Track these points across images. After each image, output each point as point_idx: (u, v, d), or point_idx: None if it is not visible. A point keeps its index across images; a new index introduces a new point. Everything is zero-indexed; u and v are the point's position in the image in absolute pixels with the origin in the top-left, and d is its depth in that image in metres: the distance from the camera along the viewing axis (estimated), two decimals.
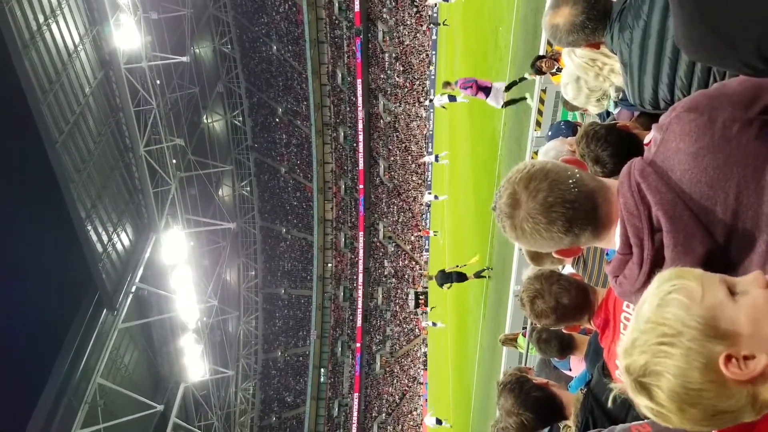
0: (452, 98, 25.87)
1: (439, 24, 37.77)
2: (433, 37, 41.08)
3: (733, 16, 1.54)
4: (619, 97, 3.39)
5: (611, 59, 3.06)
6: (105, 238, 30.44)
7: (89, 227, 28.38)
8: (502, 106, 15.87)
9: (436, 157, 35.34)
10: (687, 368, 1.23)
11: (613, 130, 3.04)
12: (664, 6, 2.43)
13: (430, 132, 43.56)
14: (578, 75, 3.33)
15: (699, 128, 1.58)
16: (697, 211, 1.55)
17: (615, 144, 2.98)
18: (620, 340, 1.75)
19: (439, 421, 31.53)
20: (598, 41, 2.87)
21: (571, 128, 3.99)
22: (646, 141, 1.86)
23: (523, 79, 14.52)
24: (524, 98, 15.41)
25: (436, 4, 35.95)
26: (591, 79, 3.19)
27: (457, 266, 23.84)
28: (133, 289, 31.73)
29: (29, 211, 26.15)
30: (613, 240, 1.73)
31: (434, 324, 37.79)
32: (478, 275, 21.83)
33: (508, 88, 15.19)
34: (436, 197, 37.75)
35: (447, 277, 22.48)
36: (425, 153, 42.80)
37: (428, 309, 38.81)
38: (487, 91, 14.97)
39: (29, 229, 25.77)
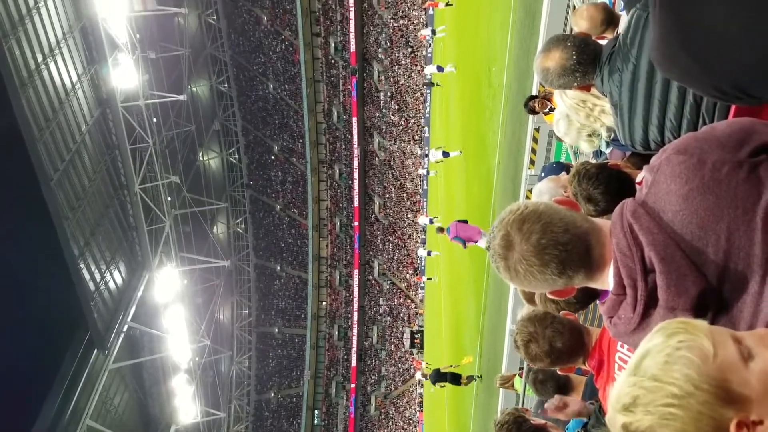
0: (446, 154, 26.98)
1: (433, 84, 38.55)
2: (427, 101, 41.90)
3: (713, 43, 1.57)
4: (611, 137, 3.43)
5: (602, 100, 3.10)
6: (98, 276, 30.29)
7: (82, 265, 28.25)
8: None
9: (431, 220, 35.65)
10: None
11: (605, 169, 3.07)
12: None
13: (425, 170, 43.76)
14: (569, 114, 3.38)
15: (689, 170, 1.59)
16: (689, 252, 1.56)
17: (606, 183, 3.00)
18: (615, 381, 1.73)
19: None
20: (588, 84, 2.91)
21: (562, 168, 4.03)
22: (638, 180, 1.88)
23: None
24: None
25: (430, 74, 36.88)
26: (582, 119, 3.23)
27: (452, 366, 24.60)
28: (125, 328, 31.47)
29: (22, 248, 26.05)
30: (607, 281, 1.73)
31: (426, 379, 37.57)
32: (470, 379, 22.66)
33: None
34: (431, 221, 37.77)
35: (441, 377, 23.07)
36: (421, 212, 42.99)
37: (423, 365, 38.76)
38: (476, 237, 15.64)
39: (21, 266, 25.64)
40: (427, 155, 39.76)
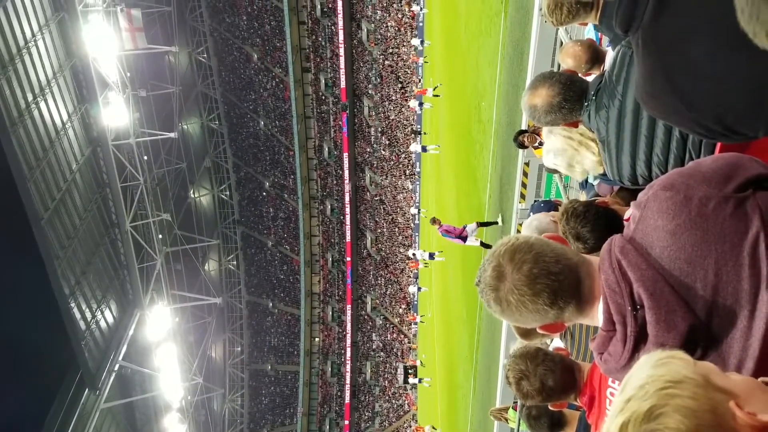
0: (431, 256, 27.45)
1: (422, 133, 39.30)
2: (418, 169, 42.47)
3: (696, 81, 1.59)
4: (600, 165, 3.45)
5: (588, 132, 3.14)
6: (89, 315, 30.01)
7: (73, 304, 28.01)
8: (481, 245, 17.29)
9: (431, 255, 35.72)
10: (698, 409, 1.13)
11: (592, 207, 3.08)
12: None
13: (417, 204, 43.89)
14: (558, 147, 3.42)
15: (676, 206, 1.60)
16: (677, 288, 1.56)
17: (594, 220, 3.02)
18: (607, 416, 1.72)
19: None
20: (575, 120, 2.95)
21: (550, 207, 4.05)
22: (626, 217, 1.89)
23: (494, 223, 16.64)
24: (496, 222, 17.15)
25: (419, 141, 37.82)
26: (571, 152, 3.27)
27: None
28: (116, 367, 31.08)
29: (12, 287, 25.81)
30: (597, 316, 1.73)
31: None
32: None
33: (481, 224, 17.02)
34: (429, 259, 37.78)
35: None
36: (415, 249, 43.06)
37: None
38: (464, 238, 16.36)
39: (11, 305, 25.38)
40: (414, 253, 40.49)
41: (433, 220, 17.17)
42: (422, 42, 38.99)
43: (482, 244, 17.25)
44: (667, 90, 1.65)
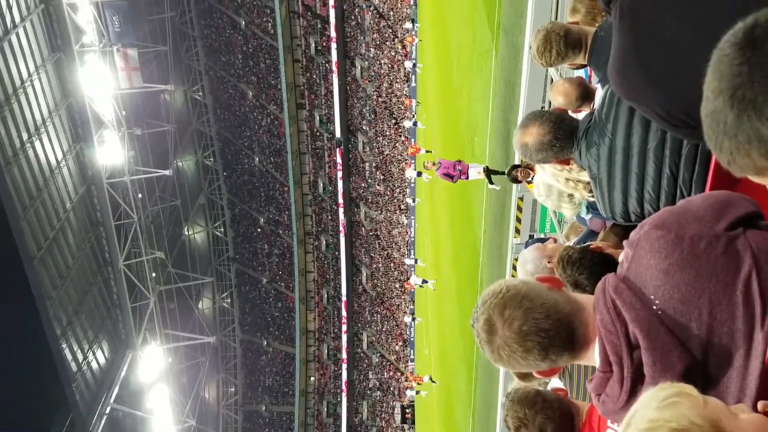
0: (425, 281, 27.67)
1: (418, 175, 39.56)
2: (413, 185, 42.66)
3: (667, 54, 1.57)
4: (591, 198, 3.47)
5: (578, 168, 3.16)
6: (80, 356, 29.70)
7: (64, 345, 27.74)
8: (485, 172, 16.29)
9: (424, 281, 35.73)
10: None
11: (587, 253, 3.10)
12: (627, 124, 2.54)
13: (412, 239, 43.86)
14: (547, 186, 3.44)
15: (668, 245, 1.60)
16: (672, 328, 1.56)
17: (590, 267, 3.03)
18: None
19: None
20: (567, 157, 2.98)
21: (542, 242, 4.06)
22: (620, 259, 1.89)
23: (502, 173, 15.20)
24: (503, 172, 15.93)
25: (413, 178, 38.04)
26: (562, 184, 3.29)
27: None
28: (108, 410, 30.65)
29: (2, 327, 25.56)
30: (593, 358, 1.72)
31: None
32: None
33: (488, 171, 16.08)
34: (424, 282, 37.59)
35: None
36: (410, 272, 42.91)
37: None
38: (467, 174, 15.76)
39: (1, 346, 25.10)
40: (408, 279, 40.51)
41: (426, 166, 16.61)
42: (414, 65, 39.39)
43: (487, 175, 16.14)
44: (634, 63, 1.64)
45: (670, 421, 1.16)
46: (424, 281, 34.78)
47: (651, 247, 1.63)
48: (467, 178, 15.87)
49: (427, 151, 34.61)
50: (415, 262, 42.17)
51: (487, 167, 16.41)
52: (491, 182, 16.57)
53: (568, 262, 3.09)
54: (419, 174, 35.29)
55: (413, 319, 42.65)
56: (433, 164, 16.24)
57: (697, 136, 1.82)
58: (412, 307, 44.44)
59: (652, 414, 1.20)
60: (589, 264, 3.05)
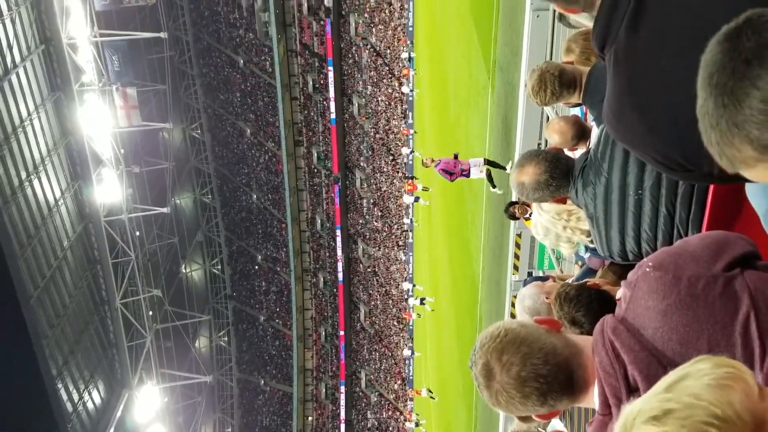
0: (422, 301, 27.47)
1: (414, 223, 39.76)
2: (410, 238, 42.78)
3: (663, 95, 1.58)
4: (591, 241, 3.48)
5: (577, 211, 3.17)
6: (76, 396, 29.36)
7: (60, 385, 27.45)
8: (485, 166, 15.97)
9: (422, 300, 35.49)
10: None
11: (584, 290, 3.09)
12: (623, 163, 2.56)
13: (410, 275, 43.75)
14: (545, 225, 3.45)
15: (665, 286, 1.60)
16: (671, 369, 1.55)
17: (587, 304, 3.02)
18: None
19: None
20: (563, 197, 3.00)
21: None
22: (617, 296, 1.89)
23: (503, 167, 15.30)
24: (504, 167, 15.75)
25: (410, 206, 38.16)
26: (559, 231, 3.30)
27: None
28: None
29: None
30: (592, 400, 1.71)
31: None
32: None
33: (489, 163, 15.76)
34: (422, 301, 37.22)
35: None
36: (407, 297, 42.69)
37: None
38: (467, 173, 15.28)
39: None
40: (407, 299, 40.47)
41: (425, 164, 15.97)
42: (411, 87, 39.73)
43: (488, 177, 15.89)
44: (630, 108, 1.64)
45: (714, 405, 1.08)
46: (422, 301, 34.51)
47: (649, 288, 1.63)
48: (468, 176, 15.41)
49: (424, 188, 34.69)
50: (413, 286, 41.90)
51: (487, 159, 15.99)
52: (493, 185, 16.26)
53: (565, 299, 3.09)
54: (416, 199, 35.23)
55: (412, 353, 42.25)
56: (432, 161, 15.79)
57: (693, 178, 1.82)
58: (411, 344, 44.13)
59: (699, 389, 1.11)
60: (586, 301, 3.04)
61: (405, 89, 40.54)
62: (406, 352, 42.98)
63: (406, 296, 42.50)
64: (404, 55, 39.24)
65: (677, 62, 1.54)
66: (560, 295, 3.10)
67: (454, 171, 15.03)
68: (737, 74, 1.07)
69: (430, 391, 37.86)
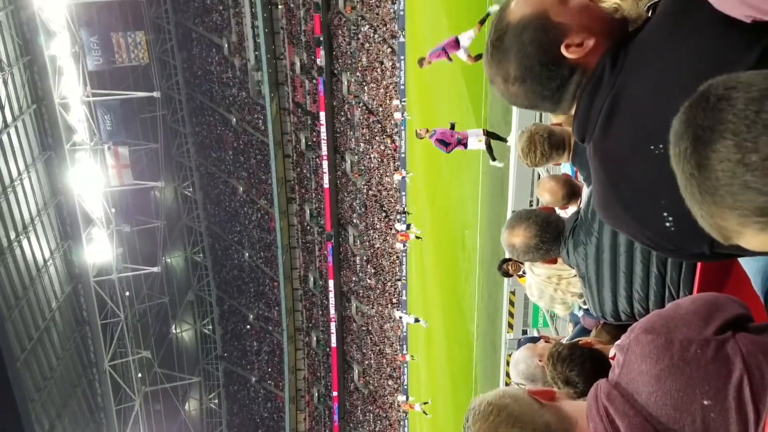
0: (417, 320, 27.21)
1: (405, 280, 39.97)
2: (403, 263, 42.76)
3: (640, 195, 1.60)
4: (584, 305, 3.48)
5: (568, 271, 3.19)
6: None
7: None
8: (486, 137, 14.92)
9: (416, 319, 35.05)
10: None
11: (576, 349, 3.09)
12: None
13: (404, 333, 43.39)
14: (538, 287, 3.46)
15: (658, 350, 1.60)
16: None
17: (581, 363, 3.01)
18: None
19: None
20: (554, 258, 3.02)
21: (533, 342, 4.03)
22: (610, 355, 1.88)
23: (504, 140, 14.76)
24: (505, 140, 15.21)
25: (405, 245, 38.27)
26: (551, 292, 3.30)
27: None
28: None
29: None
30: None
31: None
32: None
33: (489, 134, 14.92)
34: (416, 320, 36.51)
35: None
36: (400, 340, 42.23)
37: None
38: (464, 144, 14.23)
39: None
40: (401, 317, 40.19)
41: (419, 134, 14.78)
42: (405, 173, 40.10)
43: (488, 147, 14.82)
44: (614, 199, 1.67)
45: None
46: (417, 319, 33.95)
47: (642, 352, 1.63)
48: (465, 147, 14.40)
49: (417, 237, 34.72)
50: (410, 359, 41.44)
51: (487, 130, 15.09)
52: (493, 158, 15.39)
53: (558, 359, 3.08)
54: (416, 320, 35.12)
55: (407, 398, 41.37)
56: (426, 131, 14.54)
57: (685, 257, 1.85)
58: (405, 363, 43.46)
59: None
60: (579, 360, 3.03)
61: (396, 177, 40.93)
62: (400, 398, 42.07)
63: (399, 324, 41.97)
64: (397, 115, 39.80)
65: (650, 163, 1.57)
66: (553, 355, 3.08)
67: (450, 141, 14.04)
68: (694, 142, 1.11)
69: (425, 411, 37.11)
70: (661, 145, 1.48)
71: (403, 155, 40.69)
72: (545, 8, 1.62)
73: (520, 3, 1.67)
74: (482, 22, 14.73)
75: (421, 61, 14.96)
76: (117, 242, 32.20)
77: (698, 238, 1.52)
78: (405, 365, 42.98)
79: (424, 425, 37.42)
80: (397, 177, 40.52)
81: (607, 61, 1.62)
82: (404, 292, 42.99)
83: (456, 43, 14.32)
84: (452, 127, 14.39)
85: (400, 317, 41.23)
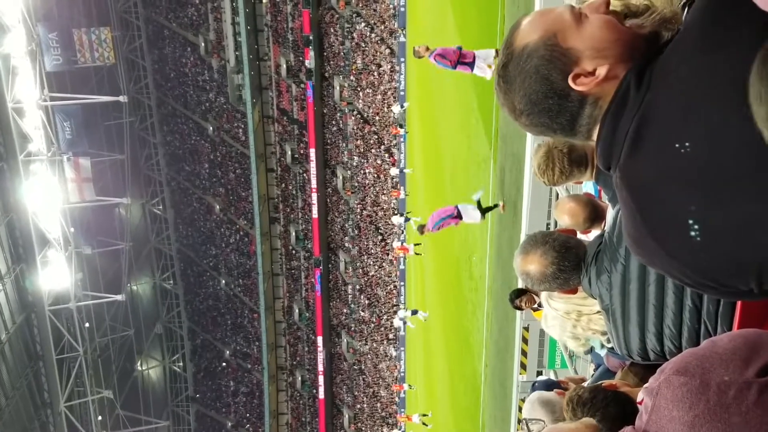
0: (414, 312, 26.89)
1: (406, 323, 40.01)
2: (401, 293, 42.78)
3: (674, 228, 1.61)
4: (608, 344, 3.46)
5: (589, 307, 3.18)
6: None
7: None
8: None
9: (414, 311, 34.95)
10: None
11: (600, 392, 3.07)
12: None
13: (402, 374, 43.28)
14: (557, 322, 3.45)
15: (692, 393, 1.60)
16: None
17: (603, 408, 2.99)
18: None
19: None
20: (574, 287, 3.01)
21: (550, 387, 3.98)
22: (638, 399, 1.88)
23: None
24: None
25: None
26: (569, 329, 3.29)
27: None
28: None
29: None
30: None
31: None
32: None
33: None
34: (413, 312, 36.31)
35: None
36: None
37: None
38: (470, 64, 13.72)
39: None
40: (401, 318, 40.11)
41: (417, 52, 14.02)
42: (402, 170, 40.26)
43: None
44: (645, 232, 1.68)
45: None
46: (414, 312, 33.73)
47: (673, 396, 1.63)
48: (471, 69, 13.77)
49: (416, 245, 34.69)
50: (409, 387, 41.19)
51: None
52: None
53: (578, 402, 3.06)
54: (414, 312, 35.05)
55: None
56: (427, 49, 14.45)
57: (728, 295, 1.86)
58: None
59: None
60: (602, 404, 3.02)
61: (393, 171, 41.05)
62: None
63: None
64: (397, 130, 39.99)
65: (686, 191, 1.59)
66: (573, 399, 3.07)
67: (452, 58, 13.56)
68: None
69: (425, 423, 36.98)
70: (687, 144, 1.51)
71: (403, 168, 40.78)
72: (554, 32, 1.62)
73: (529, 24, 1.68)
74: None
75: (421, 228, 16.09)
76: (76, 266, 32.10)
77: (741, 269, 1.54)
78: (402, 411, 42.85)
79: None
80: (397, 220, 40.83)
81: (632, 79, 1.63)
82: (402, 327, 42.92)
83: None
84: (459, 49, 13.91)
85: (398, 320, 40.80)
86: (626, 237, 1.78)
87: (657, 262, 1.81)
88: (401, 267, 42.03)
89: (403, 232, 40.16)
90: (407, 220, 35.95)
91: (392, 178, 42.15)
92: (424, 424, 36.87)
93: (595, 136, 1.72)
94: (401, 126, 39.98)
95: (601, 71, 1.62)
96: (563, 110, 1.67)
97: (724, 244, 1.52)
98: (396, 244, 40.05)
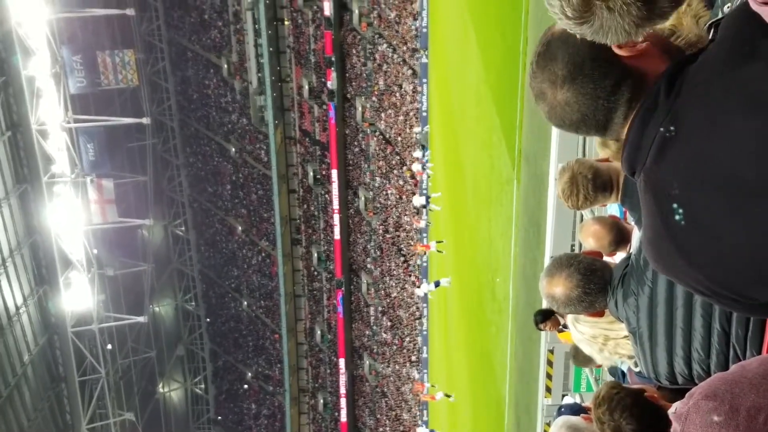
0: (437, 283, 26.86)
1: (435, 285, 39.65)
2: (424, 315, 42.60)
3: (696, 233, 1.61)
4: (635, 367, 3.44)
5: (616, 331, 3.17)
6: None
7: None
8: None
9: (437, 283, 34.73)
10: None
11: (641, 400, 2.98)
12: None
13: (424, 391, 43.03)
14: (586, 348, 3.44)
15: (721, 419, 1.59)
16: None
17: (640, 418, 2.92)
18: None
19: None
20: (600, 310, 3.00)
21: (575, 412, 3.91)
22: (670, 411, 1.86)
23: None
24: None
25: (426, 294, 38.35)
26: (595, 354, 3.28)
27: None
28: None
29: None
30: None
31: None
32: None
33: None
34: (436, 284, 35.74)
35: None
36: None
37: None
38: None
39: None
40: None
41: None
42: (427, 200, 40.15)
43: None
44: (665, 237, 1.69)
45: None
46: (437, 283, 33.28)
47: (702, 421, 1.62)
48: None
49: (438, 242, 34.44)
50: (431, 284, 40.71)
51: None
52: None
53: (618, 404, 2.94)
54: (437, 284, 34.38)
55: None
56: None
57: (742, 309, 1.86)
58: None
59: None
60: (640, 414, 2.94)
61: (417, 201, 40.80)
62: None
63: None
64: (417, 153, 39.92)
65: (710, 198, 1.60)
66: (612, 398, 2.95)
67: None
68: None
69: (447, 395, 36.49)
70: (712, 153, 1.54)
71: (425, 192, 40.67)
72: None
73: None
74: None
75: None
76: (98, 288, 32.32)
77: (762, 279, 1.54)
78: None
79: None
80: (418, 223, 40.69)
81: (663, 85, 1.66)
82: (425, 348, 42.71)
83: None
84: None
85: (422, 291, 40.14)
86: (644, 242, 1.78)
87: (677, 273, 1.82)
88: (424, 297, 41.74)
89: (425, 214, 39.77)
90: (428, 199, 35.80)
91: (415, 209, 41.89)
92: (447, 395, 36.19)
93: (623, 136, 1.75)
94: (423, 147, 39.94)
95: (641, 45, 1.69)
96: (608, 74, 1.70)
97: (746, 252, 1.52)
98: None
